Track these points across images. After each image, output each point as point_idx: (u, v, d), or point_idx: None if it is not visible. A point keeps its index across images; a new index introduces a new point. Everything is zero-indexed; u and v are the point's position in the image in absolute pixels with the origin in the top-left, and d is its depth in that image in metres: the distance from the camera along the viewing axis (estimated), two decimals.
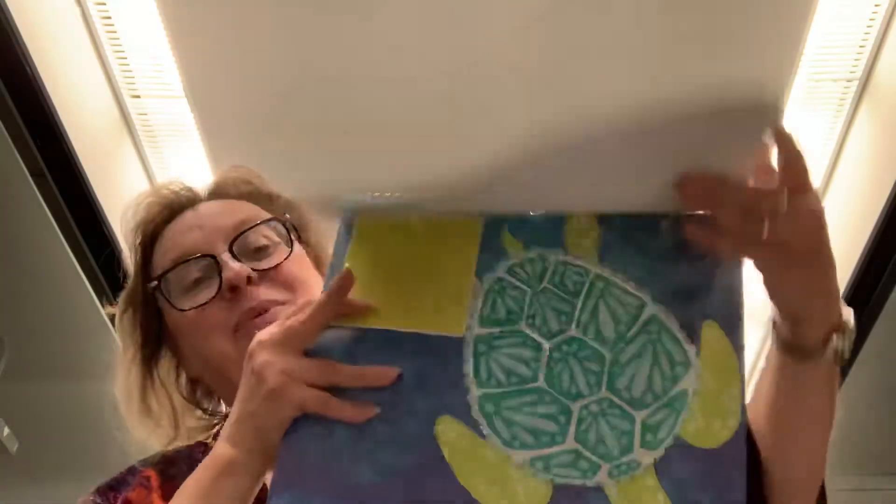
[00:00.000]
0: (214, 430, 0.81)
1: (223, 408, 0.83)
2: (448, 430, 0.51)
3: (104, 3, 1.73)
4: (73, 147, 1.70)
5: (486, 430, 0.51)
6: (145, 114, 1.96)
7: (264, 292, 0.72)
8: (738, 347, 0.52)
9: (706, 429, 0.50)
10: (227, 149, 2.28)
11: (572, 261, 0.55)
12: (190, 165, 2.07)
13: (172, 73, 1.84)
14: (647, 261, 0.55)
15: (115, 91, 1.90)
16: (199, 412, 0.83)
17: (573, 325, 0.53)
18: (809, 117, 2.00)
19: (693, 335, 0.52)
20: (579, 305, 0.54)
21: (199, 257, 0.74)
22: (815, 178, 2.15)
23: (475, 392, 0.52)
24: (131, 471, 0.75)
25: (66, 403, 2.31)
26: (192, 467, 0.73)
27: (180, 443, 0.80)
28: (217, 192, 0.83)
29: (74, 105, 1.74)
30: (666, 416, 0.50)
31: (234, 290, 0.71)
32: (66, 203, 1.77)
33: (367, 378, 0.52)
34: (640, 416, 0.50)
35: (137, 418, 0.80)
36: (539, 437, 0.50)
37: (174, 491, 0.70)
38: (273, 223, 0.78)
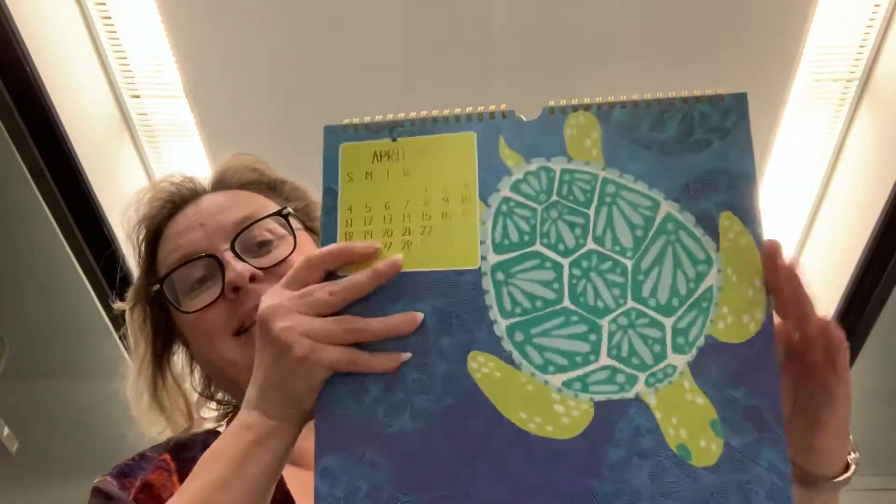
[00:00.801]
0: (227, 419, 0.80)
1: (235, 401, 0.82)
2: (481, 365, 0.50)
3: (104, 3, 1.73)
4: (73, 147, 1.70)
5: (518, 360, 0.50)
6: (145, 114, 1.96)
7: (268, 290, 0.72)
8: (756, 237, 0.50)
9: (735, 324, 0.49)
10: (226, 148, 2.27)
11: (577, 167, 0.53)
12: (190, 165, 2.08)
13: (172, 73, 1.84)
14: (653, 156, 0.53)
15: (115, 91, 1.90)
16: (213, 404, 0.82)
17: (589, 238, 0.52)
18: (809, 117, 2.00)
19: (711, 229, 0.51)
20: (592, 216, 0.52)
21: (200, 258, 0.73)
22: (816, 178, 2.15)
23: (502, 323, 0.51)
24: (143, 457, 0.74)
25: (66, 403, 2.31)
26: (201, 449, 0.72)
27: (194, 430, 0.79)
28: (220, 183, 0.81)
29: (74, 105, 1.74)
30: (695, 318, 0.50)
31: (236, 291, 0.71)
32: (66, 203, 1.77)
33: (392, 328, 0.51)
34: (668, 322, 0.50)
35: (149, 416, 0.79)
36: (572, 359, 0.50)
37: (187, 470, 0.70)
38: (277, 219, 0.76)
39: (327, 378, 0.51)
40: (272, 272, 0.72)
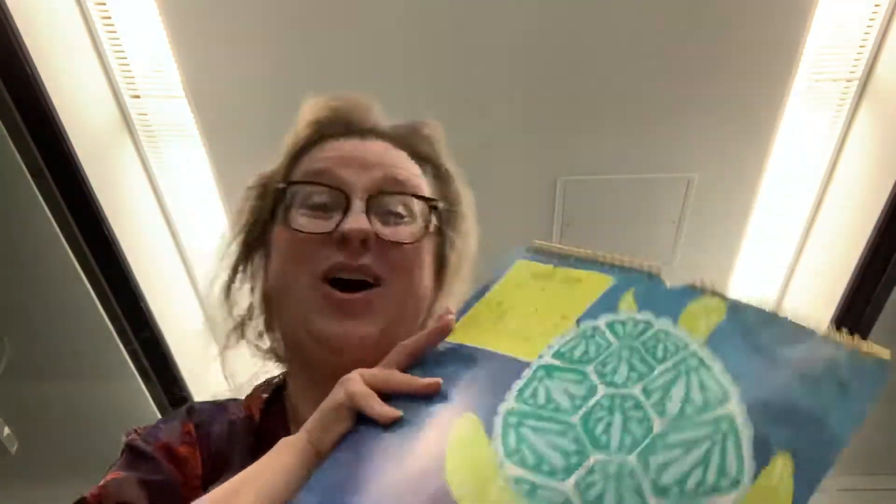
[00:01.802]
0: (256, 390, 0.79)
1: (277, 343, 0.80)
2: (464, 423, 0.51)
3: (104, 3, 1.73)
4: (73, 147, 1.70)
5: (496, 435, 0.50)
6: (145, 114, 1.96)
7: (369, 258, 0.69)
8: (799, 499, 0.44)
9: None
10: (227, 149, 2.28)
11: (677, 333, 0.52)
12: (190, 165, 2.08)
13: (172, 73, 1.84)
14: (759, 360, 0.48)
15: (115, 91, 1.90)
16: (256, 333, 0.80)
17: (639, 386, 0.49)
18: (810, 117, 2.00)
19: (760, 456, 0.45)
20: (658, 371, 0.50)
21: (334, 188, 0.71)
22: (816, 178, 2.15)
23: (509, 402, 0.52)
24: (164, 421, 0.72)
25: (66, 403, 2.31)
26: (220, 423, 0.72)
27: (228, 364, 0.79)
28: (398, 137, 0.78)
29: (74, 105, 1.74)
30: None
31: (344, 241, 0.69)
32: (66, 203, 1.77)
33: (412, 386, 0.55)
34: (652, 502, 0.44)
35: (221, 296, 0.78)
36: (541, 464, 0.48)
37: (208, 447, 0.70)
38: (422, 203, 0.74)
39: (346, 405, 0.55)
40: (385, 246, 0.70)
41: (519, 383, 0.53)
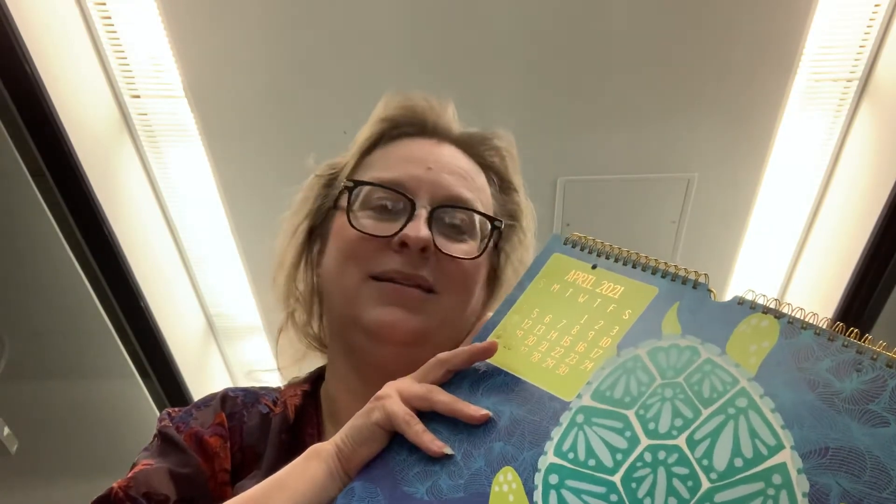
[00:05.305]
0: (293, 386, 0.79)
1: (323, 332, 0.81)
2: (504, 482, 0.50)
3: (104, 3, 1.73)
4: (73, 147, 1.70)
5: (537, 498, 0.48)
6: (145, 114, 1.96)
7: (426, 270, 0.70)
8: None
9: None
10: (227, 149, 2.28)
11: (724, 364, 0.48)
12: (190, 165, 2.08)
13: (172, 73, 1.85)
14: (812, 397, 0.44)
15: (115, 91, 1.90)
16: (305, 318, 0.81)
17: (684, 435, 0.46)
18: (809, 117, 2.00)
19: None
20: (704, 416, 0.46)
21: (401, 194, 0.72)
22: (815, 178, 2.15)
23: (549, 457, 0.49)
24: (197, 407, 0.73)
25: (66, 403, 2.31)
26: (254, 415, 0.72)
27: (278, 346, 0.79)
28: (468, 144, 0.79)
29: (74, 105, 1.74)
30: None
31: (403, 246, 0.69)
32: (66, 203, 1.77)
33: (457, 412, 0.54)
34: None
35: (284, 277, 0.79)
36: None
37: (239, 440, 0.70)
38: (484, 219, 0.75)
39: (383, 426, 0.54)
40: (441, 258, 0.71)
41: (558, 431, 0.50)
